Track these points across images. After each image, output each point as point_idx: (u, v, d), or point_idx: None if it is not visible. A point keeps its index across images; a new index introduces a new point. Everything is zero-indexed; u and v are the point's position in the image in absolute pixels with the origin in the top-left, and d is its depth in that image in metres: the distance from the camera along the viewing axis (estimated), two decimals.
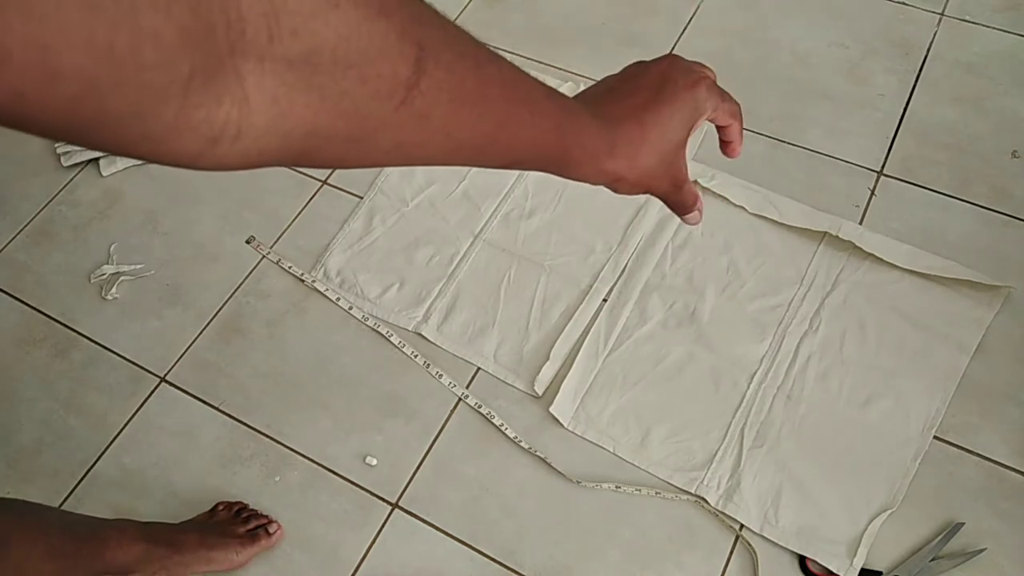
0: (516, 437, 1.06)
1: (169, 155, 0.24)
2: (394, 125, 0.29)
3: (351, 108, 0.27)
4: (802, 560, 0.96)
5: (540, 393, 1.09)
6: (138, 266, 1.26)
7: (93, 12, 0.19)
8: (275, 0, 0.23)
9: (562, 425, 1.06)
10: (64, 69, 0.19)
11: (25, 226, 1.32)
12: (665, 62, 0.47)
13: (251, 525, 0.99)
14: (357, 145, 0.29)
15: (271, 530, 0.99)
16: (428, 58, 0.29)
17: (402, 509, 1.04)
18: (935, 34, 1.40)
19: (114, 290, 1.23)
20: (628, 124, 0.44)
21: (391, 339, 1.15)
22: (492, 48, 0.35)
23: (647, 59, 0.49)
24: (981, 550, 0.94)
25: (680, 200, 0.49)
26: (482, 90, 0.33)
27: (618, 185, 0.45)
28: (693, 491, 1.01)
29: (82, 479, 1.09)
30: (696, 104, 0.46)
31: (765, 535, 0.98)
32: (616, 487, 1.02)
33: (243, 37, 0.23)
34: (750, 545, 0.97)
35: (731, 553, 0.98)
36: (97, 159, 1.36)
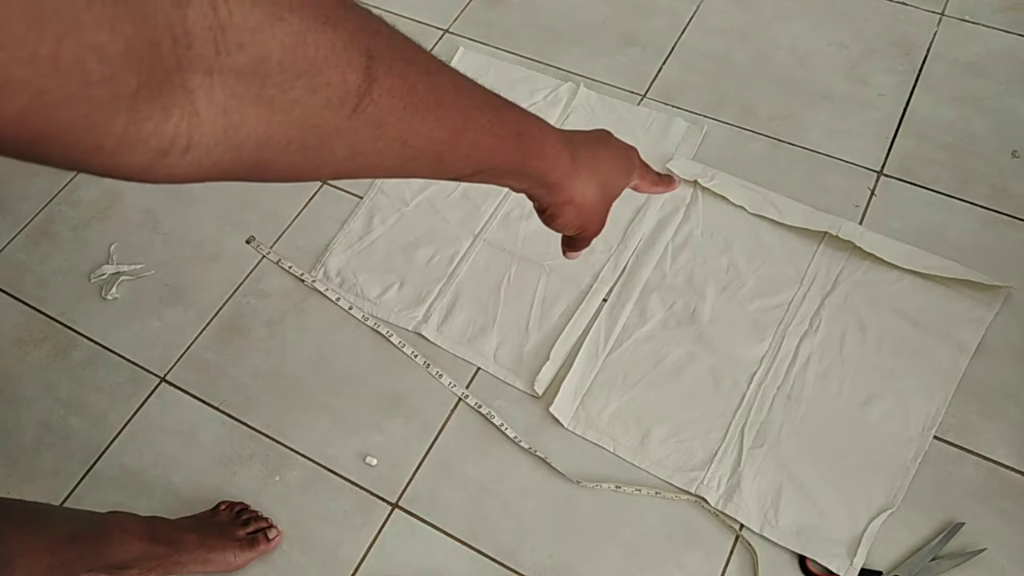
0: (516, 437, 1.06)
1: (119, 168, 0.24)
2: (348, 133, 0.30)
3: (303, 117, 0.28)
4: (802, 560, 0.96)
5: (540, 393, 1.09)
6: (138, 266, 1.26)
7: (38, 26, 0.19)
8: (220, 14, 0.23)
9: (562, 425, 1.06)
10: (10, 83, 0.19)
11: (25, 226, 1.32)
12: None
13: (251, 528, 0.99)
14: (311, 154, 0.30)
15: (271, 535, 0.99)
16: (378, 66, 0.29)
17: (402, 509, 1.04)
18: (935, 34, 1.40)
19: (114, 290, 1.23)
20: (583, 149, 0.46)
21: (391, 339, 1.15)
22: (443, 61, 0.35)
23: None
24: (981, 550, 0.94)
25: (586, 244, 0.52)
26: (436, 96, 0.34)
27: (563, 208, 0.46)
28: (693, 491, 1.01)
29: (82, 479, 1.09)
30: (632, 165, 0.51)
31: (765, 535, 0.98)
32: (616, 487, 1.02)
33: (190, 51, 0.23)
34: (750, 545, 0.97)
35: (731, 553, 0.98)
36: None
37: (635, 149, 0.52)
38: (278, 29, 0.25)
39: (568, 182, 0.45)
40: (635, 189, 0.54)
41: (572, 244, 0.54)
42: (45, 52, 0.20)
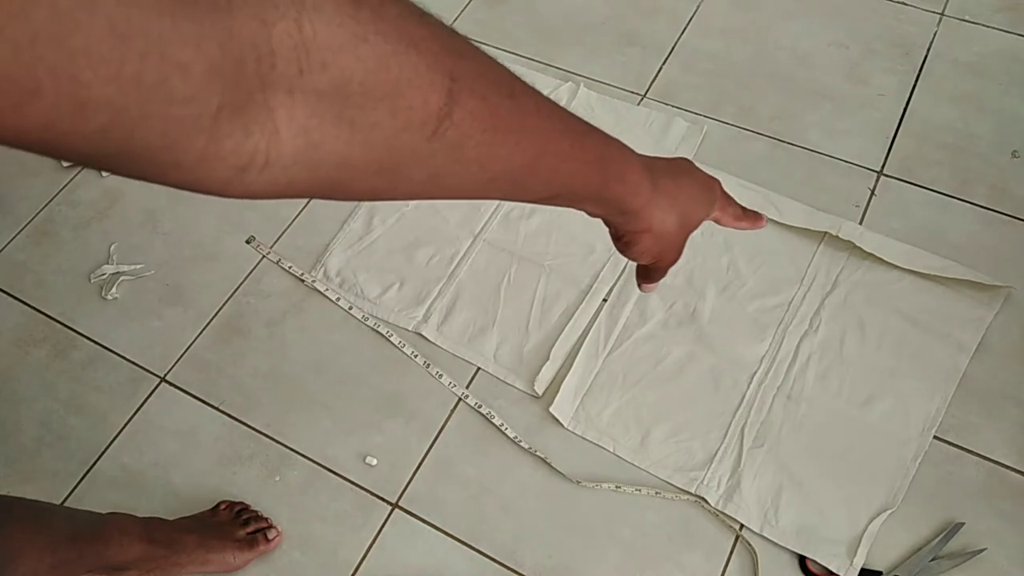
0: (516, 437, 1.06)
1: (198, 184, 0.25)
2: (426, 156, 0.29)
3: (382, 139, 0.27)
4: (802, 560, 0.96)
5: (540, 393, 1.09)
6: (138, 266, 1.26)
7: (123, 44, 0.19)
8: (305, 34, 0.23)
9: (562, 425, 1.06)
10: (93, 101, 0.19)
11: (25, 226, 1.32)
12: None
13: (251, 528, 0.99)
14: (388, 176, 0.30)
15: (270, 536, 0.99)
16: (461, 88, 0.29)
17: (402, 509, 1.04)
18: (935, 34, 1.40)
19: (114, 290, 1.23)
20: (665, 177, 0.45)
21: (391, 339, 1.15)
22: (527, 83, 0.35)
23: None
24: (981, 550, 0.94)
25: (662, 274, 0.51)
26: (518, 119, 0.33)
27: (640, 236, 0.45)
28: (693, 491, 1.01)
29: (82, 479, 1.09)
30: (713, 196, 0.49)
31: (765, 535, 0.98)
32: (616, 487, 1.02)
33: (273, 70, 0.23)
34: (750, 545, 0.97)
35: (731, 553, 0.98)
36: None
37: (718, 181, 0.50)
38: (362, 51, 0.25)
39: (647, 210, 0.44)
40: (716, 222, 0.53)
41: (648, 275, 0.52)
42: (129, 71, 0.19)
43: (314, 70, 0.24)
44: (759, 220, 0.55)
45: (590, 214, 0.43)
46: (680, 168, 0.47)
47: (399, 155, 0.29)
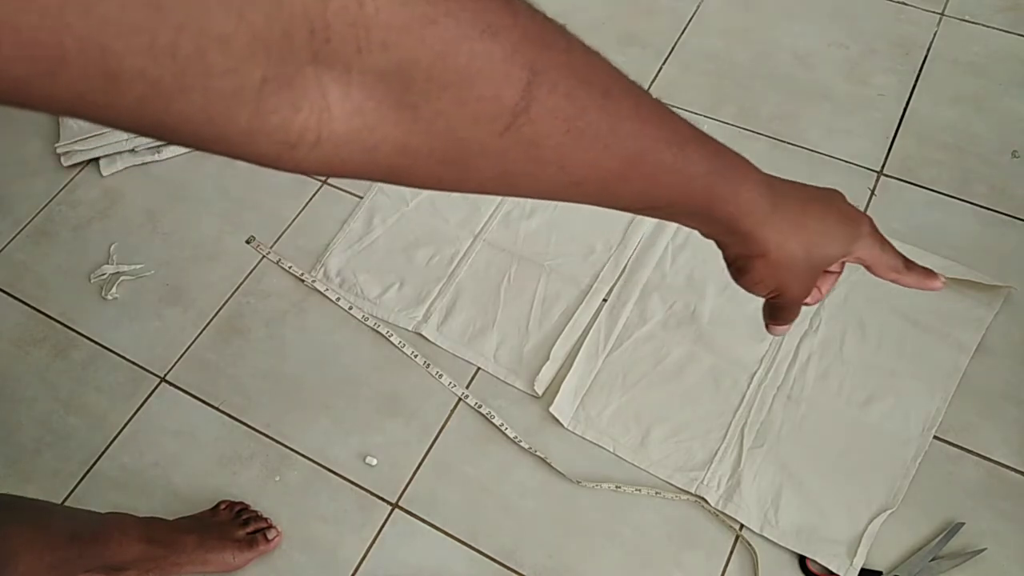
0: (516, 437, 1.06)
1: (246, 156, 0.24)
2: (497, 152, 0.27)
3: (446, 130, 0.26)
4: (802, 560, 0.96)
5: (540, 393, 1.09)
6: (138, 266, 1.26)
7: (158, 13, 0.18)
8: (367, 10, 0.22)
9: (562, 425, 1.06)
10: (125, 72, 0.19)
11: (25, 226, 1.32)
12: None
13: (250, 528, 0.99)
14: (454, 168, 0.28)
15: (270, 536, 0.99)
16: (541, 83, 0.26)
17: (402, 509, 1.04)
18: (935, 34, 1.40)
19: (114, 290, 1.23)
20: (791, 200, 0.40)
21: (391, 339, 1.15)
22: (633, 82, 0.31)
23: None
24: (981, 550, 0.94)
25: (791, 313, 0.45)
26: (611, 123, 0.30)
27: (753, 263, 0.40)
28: (693, 491, 1.01)
29: (82, 479, 1.09)
30: (858, 234, 0.43)
31: (765, 535, 0.98)
32: (616, 487, 1.02)
33: (327, 45, 0.22)
34: (750, 545, 0.97)
35: (731, 553, 0.98)
36: (97, 159, 1.36)
37: (868, 218, 0.44)
38: (429, 33, 0.23)
39: (762, 232, 0.38)
40: (866, 267, 0.46)
41: (773, 313, 0.46)
42: (163, 41, 0.19)
43: (374, 50, 0.22)
44: (931, 279, 0.46)
45: (700, 232, 0.39)
46: (815, 195, 0.42)
47: (466, 148, 0.27)
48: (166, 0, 0.18)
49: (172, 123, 0.21)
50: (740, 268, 0.41)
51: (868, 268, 0.46)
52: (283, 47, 0.21)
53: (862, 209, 1.22)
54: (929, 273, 0.46)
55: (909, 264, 0.46)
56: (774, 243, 0.39)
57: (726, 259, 0.42)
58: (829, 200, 0.42)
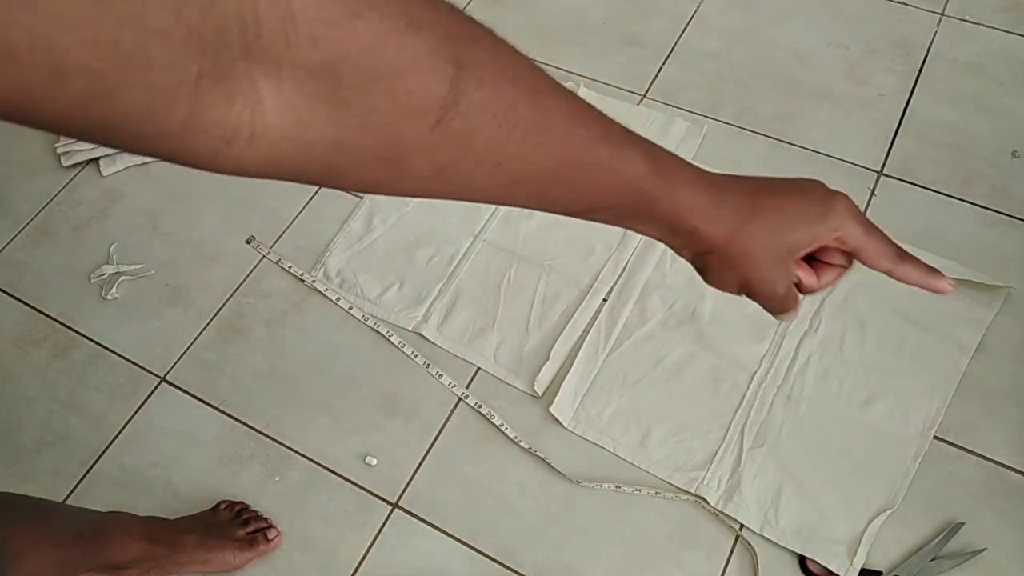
0: (516, 437, 1.06)
1: (185, 154, 0.24)
2: (430, 147, 0.28)
3: (379, 125, 0.26)
4: (802, 560, 0.96)
5: (540, 393, 1.09)
6: (138, 266, 1.26)
7: (101, 9, 0.19)
8: (293, 7, 0.22)
9: (562, 425, 1.06)
10: (70, 67, 0.19)
11: (25, 226, 1.32)
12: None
13: (250, 528, 0.99)
14: (391, 167, 0.28)
15: (270, 536, 0.99)
16: (468, 78, 0.27)
17: (402, 509, 1.04)
18: (935, 34, 1.40)
19: (114, 290, 1.23)
20: (737, 193, 0.38)
21: (391, 339, 1.15)
22: (564, 87, 0.32)
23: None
24: (981, 550, 0.94)
25: (777, 306, 0.43)
26: (542, 120, 0.30)
27: (708, 260, 0.39)
28: (693, 491, 1.01)
29: (82, 479, 1.09)
30: (827, 212, 0.39)
31: (765, 535, 0.98)
32: (616, 487, 1.02)
33: (259, 41, 0.22)
34: (750, 545, 0.97)
35: (731, 553, 0.98)
36: (97, 159, 1.36)
37: (844, 196, 0.41)
38: (355, 27, 0.24)
39: (708, 228, 0.38)
40: (855, 254, 0.42)
41: (766, 308, 0.45)
42: (107, 36, 0.19)
43: (303, 44, 0.23)
44: (935, 278, 0.42)
45: (654, 237, 0.39)
46: (772, 185, 0.40)
47: (400, 144, 0.27)
48: None
49: (115, 119, 0.21)
50: (700, 268, 0.41)
51: (857, 255, 0.43)
52: (217, 42, 0.21)
53: (863, 210, 1.22)
54: (932, 271, 0.42)
55: (905, 255, 0.42)
56: (722, 237, 0.38)
57: (693, 264, 0.42)
58: (793, 187, 0.40)
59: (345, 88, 0.25)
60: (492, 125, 0.29)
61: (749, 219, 0.38)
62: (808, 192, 0.40)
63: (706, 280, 0.42)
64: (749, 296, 0.43)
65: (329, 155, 0.26)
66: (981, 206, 1.21)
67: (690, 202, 0.37)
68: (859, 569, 0.95)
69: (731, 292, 0.42)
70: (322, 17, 0.23)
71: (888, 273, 0.43)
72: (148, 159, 1.36)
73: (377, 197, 1.28)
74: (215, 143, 0.24)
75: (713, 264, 0.40)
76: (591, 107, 0.33)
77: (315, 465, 1.07)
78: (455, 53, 0.27)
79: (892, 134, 1.29)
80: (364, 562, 1.00)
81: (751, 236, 0.39)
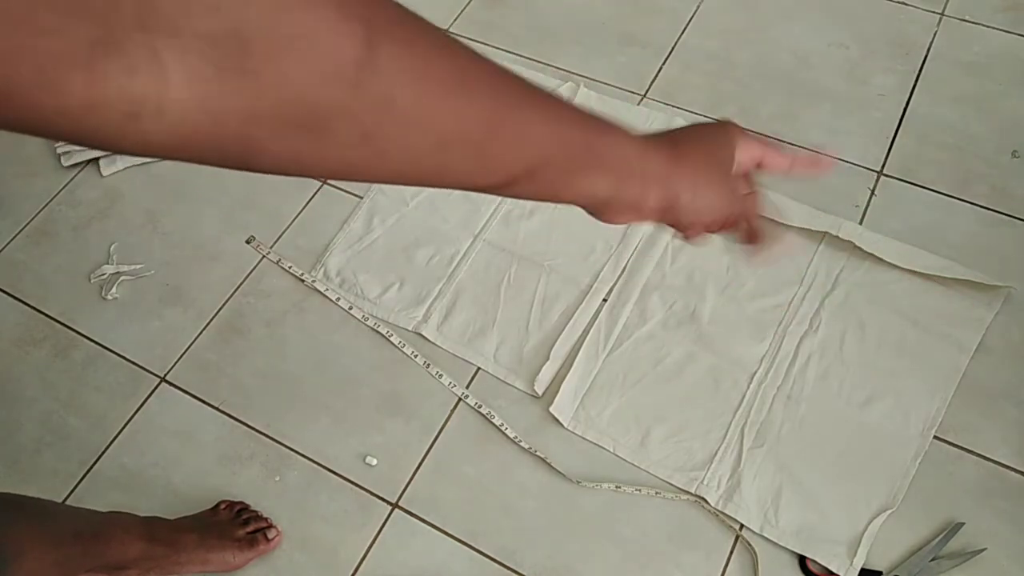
0: (516, 437, 1.06)
1: (89, 131, 0.23)
2: (352, 112, 0.27)
3: (295, 92, 0.25)
4: (802, 560, 0.96)
5: (540, 393, 1.09)
6: (138, 266, 1.26)
7: None
8: None
9: (562, 425, 1.06)
10: None
11: (25, 226, 1.32)
12: None
13: (250, 528, 0.99)
14: (312, 137, 0.27)
15: (270, 535, 0.99)
16: (379, 36, 0.26)
17: (402, 509, 1.04)
18: (935, 34, 1.40)
19: (114, 290, 1.23)
20: (657, 139, 0.40)
21: (391, 339, 1.15)
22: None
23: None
24: (981, 550, 0.94)
25: (742, 230, 0.45)
26: (459, 74, 0.30)
27: (646, 198, 0.39)
28: (693, 491, 1.01)
29: (82, 479, 1.09)
30: (728, 133, 0.44)
31: (765, 535, 0.98)
32: (616, 487, 1.02)
33: (153, 10, 0.22)
34: (750, 545, 0.97)
35: (731, 553, 0.98)
36: (97, 159, 1.36)
37: (731, 122, 0.46)
38: None
39: (651, 156, 0.39)
40: (762, 166, 0.46)
41: (741, 239, 0.47)
42: None
43: (202, 12, 0.22)
44: (815, 163, 0.49)
45: (580, 202, 0.38)
46: (678, 130, 0.43)
47: (319, 111, 0.26)
48: None
49: (11, 91, 0.21)
50: (640, 210, 0.41)
51: (763, 167, 0.47)
52: (109, 9, 0.21)
53: (863, 210, 1.23)
54: (815, 157, 0.49)
55: (786, 154, 0.48)
56: (662, 168, 0.39)
57: (656, 209, 0.41)
58: (688, 127, 0.44)
59: (253, 55, 0.24)
60: (410, 82, 0.28)
61: (678, 151, 0.41)
62: (707, 126, 0.45)
63: (683, 224, 0.43)
64: (717, 225, 0.45)
65: (244, 127, 0.25)
66: (981, 206, 1.21)
67: (623, 149, 0.38)
68: (859, 569, 0.95)
69: (668, 222, 0.43)
70: None
71: (788, 168, 0.48)
72: (148, 159, 1.36)
73: (377, 198, 1.28)
74: (120, 118, 0.23)
75: (652, 198, 0.40)
76: (504, 68, 0.33)
77: (315, 465, 1.07)
78: (362, 13, 0.26)
79: (892, 134, 1.29)
80: (364, 562, 1.00)
81: (689, 161, 0.41)
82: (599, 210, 0.40)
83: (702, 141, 0.43)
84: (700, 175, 0.41)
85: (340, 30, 0.26)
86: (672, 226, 0.43)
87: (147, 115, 0.23)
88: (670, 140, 0.41)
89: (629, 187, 0.39)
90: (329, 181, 1.32)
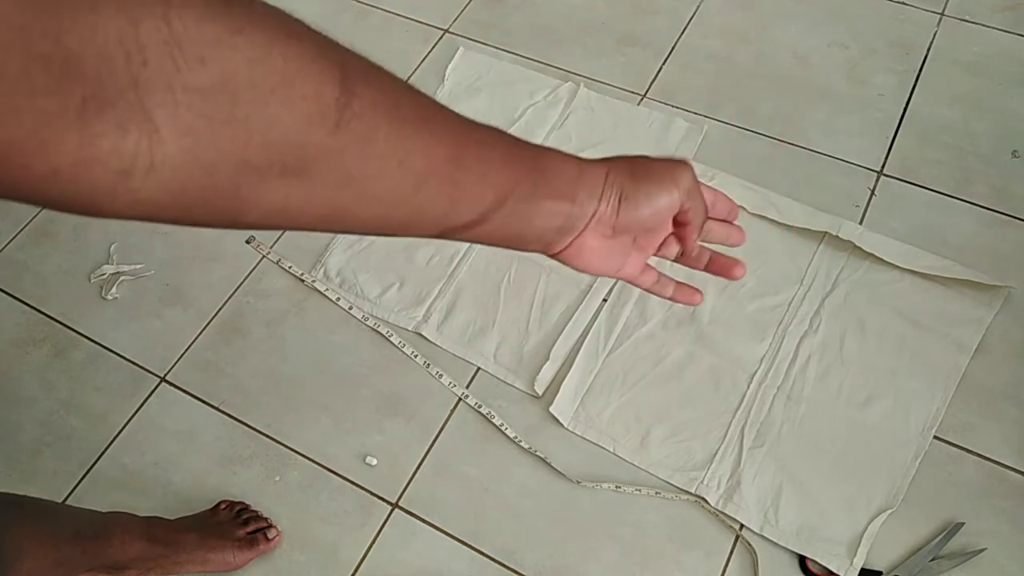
0: (516, 437, 1.06)
1: (81, 193, 0.24)
2: (335, 152, 0.28)
3: (281, 137, 0.26)
4: (802, 560, 0.96)
5: (540, 393, 1.09)
6: (138, 266, 1.26)
7: None
8: (175, 28, 0.22)
9: (562, 425, 1.06)
10: None
11: (25, 226, 1.32)
12: None
13: (250, 528, 0.99)
14: (298, 181, 0.28)
15: (270, 535, 0.99)
16: (354, 78, 0.28)
17: (402, 509, 1.04)
18: (935, 34, 1.40)
19: (114, 290, 1.23)
20: (599, 162, 0.41)
21: (391, 339, 1.15)
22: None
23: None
24: (981, 550, 0.94)
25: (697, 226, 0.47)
26: (423, 112, 0.32)
27: (594, 202, 0.40)
28: (693, 491, 1.01)
29: (82, 479, 1.09)
30: (677, 173, 0.43)
31: (765, 535, 0.98)
32: (616, 487, 1.02)
33: (146, 68, 0.22)
34: (750, 545, 0.97)
35: (731, 553, 0.98)
36: None
37: (686, 166, 0.44)
38: (239, 42, 0.24)
39: (583, 174, 0.40)
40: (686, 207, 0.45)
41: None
42: None
43: (192, 66, 0.23)
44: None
45: (546, 229, 0.40)
46: (627, 156, 0.43)
47: (305, 153, 0.27)
48: None
49: (5, 151, 0.21)
50: (629, 203, 0.42)
51: (687, 206, 0.46)
52: (101, 70, 0.21)
53: (863, 210, 1.23)
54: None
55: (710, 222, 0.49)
56: (598, 172, 0.40)
57: (566, 234, 0.43)
58: (639, 156, 0.44)
59: (242, 103, 0.25)
60: (386, 120, 0.29)
61: (612, 158, 0.42)
62: (658, 160, 0.43)
63: (642, 218, 0.43)
64: (672, 211, 0.45)
65: (234, 177, 0.26)
66: (981, 206, 1.21)
67: (567, 169, 0.39)
68: (859, 569, 0.95)
69: (660, 209, 0.44)
70: (205, 36, 0.23)
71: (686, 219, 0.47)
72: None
73: None
74: (111, 176, 0.23)
75: (625, 186, 0.41)
76: (444, 105, 0.34)
77: (315, 465, 1.07)
78: (335, 57, 0.28)
79: (892, 134, 1.29)
80: (364, 562, 1.00)
81: (622, 158, 0.42)
82: (563, 236, 0.43)
83: (639, 157, 0.44)
84: (638, 166, 0.42)
85: (321, 72, 0.27)
86: (637, 233, 0.44)
87: (138, 172, 0.24)
88: (605, 158, 0.43)
89: (580, 198, 0.40)
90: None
